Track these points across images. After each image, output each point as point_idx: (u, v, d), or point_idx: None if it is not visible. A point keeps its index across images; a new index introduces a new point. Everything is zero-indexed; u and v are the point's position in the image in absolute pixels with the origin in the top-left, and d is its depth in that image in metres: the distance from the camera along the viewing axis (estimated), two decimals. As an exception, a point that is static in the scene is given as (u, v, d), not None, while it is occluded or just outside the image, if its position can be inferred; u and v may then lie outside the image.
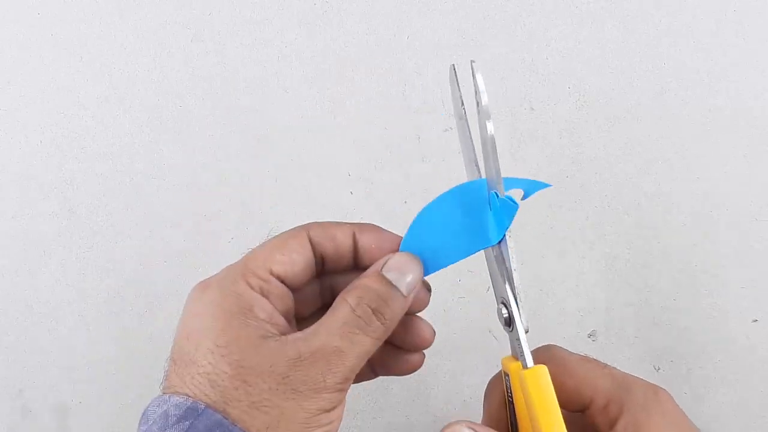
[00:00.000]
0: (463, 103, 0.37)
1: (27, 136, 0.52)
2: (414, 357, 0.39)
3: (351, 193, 0.52)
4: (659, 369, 0.51)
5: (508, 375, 0.36)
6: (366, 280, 0.35)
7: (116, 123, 0.51)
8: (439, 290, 0.52)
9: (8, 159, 0.52)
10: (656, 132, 0.52)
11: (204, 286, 0.35)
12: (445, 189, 0.51)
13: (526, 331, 0.34)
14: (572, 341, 0.51)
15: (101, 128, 0.52)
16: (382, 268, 0.35)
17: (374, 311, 0.34)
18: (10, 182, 0.52)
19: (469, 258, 0.52)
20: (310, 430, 0.32)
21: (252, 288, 0.34)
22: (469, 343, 0.52)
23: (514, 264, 0.37)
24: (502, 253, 0.37)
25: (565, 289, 0.51)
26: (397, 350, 0.39)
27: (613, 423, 0.35)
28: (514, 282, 0.36)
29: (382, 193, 0.52)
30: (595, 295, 0.51)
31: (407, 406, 0.52)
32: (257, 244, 0.36)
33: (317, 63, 0.52)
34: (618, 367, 0.51)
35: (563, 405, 0.34)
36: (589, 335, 0.51)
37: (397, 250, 0.37)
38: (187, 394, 0.32)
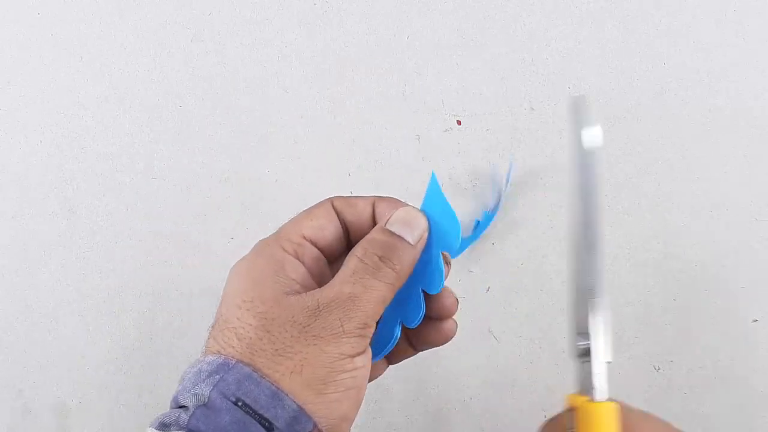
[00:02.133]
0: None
1: (27, 136, 0.52)
2: (446, 325, 0.40)
3: (351, 192, 0.52)
4: (659, 369, 0.51)
5: (572, 410, 0.35)
6: (371, 234, 0.36)
7: (116, 123, 0.51)
8: (439, 290, 0.52)
9: (8, 159, 0.52)
10: (656, 132, 0.52)
11: (244, 256, 0.37)
12: (445, 189, 0.51)
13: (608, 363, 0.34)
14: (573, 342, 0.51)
15: (101, 128, 0.52)
16: (386, 223, 0.37)
17: (381, 258, 0.35)
18: (10, 182, 0.52)
19: (469, 259, 0.52)
20: (334, 375, 0.33)
21: (286, 251, 0.36)
22: (470, 343, 0.52)
23: (603, 296, 0.36)
24: (594, 284, 0.36)
25: (564, 289, 0.51)
26: (429, 320, 0.39)
27: None
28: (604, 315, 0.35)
29: (381, 194, 0.52)
30: (595, 295, 0.51)
31: (407, 406, 0.52)
32: (258, 241, 0.37)
33: (317, 63, 0.52)
34: (618, 367, 0.51)
35: None
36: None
37: None
38: (219, 352, 0.33)
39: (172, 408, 0.33)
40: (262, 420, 0.32)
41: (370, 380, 0.37)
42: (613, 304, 0.52)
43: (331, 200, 0.38)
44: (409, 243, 0.36)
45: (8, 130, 0.52)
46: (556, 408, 0.52)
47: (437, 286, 0.37)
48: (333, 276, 0.36)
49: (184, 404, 0.33)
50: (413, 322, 0.38)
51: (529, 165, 0.52)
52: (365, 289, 0.34)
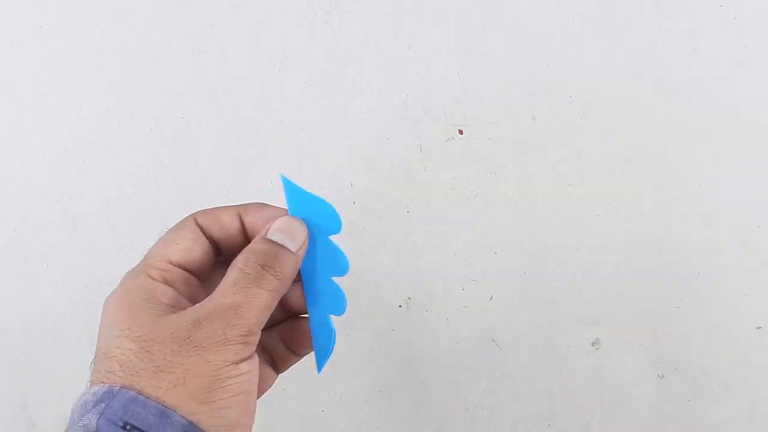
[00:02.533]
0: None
1: (29, 148, 0.52)
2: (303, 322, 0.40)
3: (353, 203, 0.52)
4: (663, 377, 0.51)
5: None
6: (252, 245, 0.37)
7: (118, 135, 0.51)
8: (442, 299, 0.52)
9: (11, 171, 0.52)
10: (658, 139, 0.52)
11: (111, 293, 0.37)
12: (447, 198, 0.51)
13: None
14: (576, 350, 0.51)
15: (103, 140, 0.52)
16: (266, 233, 0.37)
17: (263, 266, 0.35)
18: (13, 194, 0.52)
19: (472, 268, 0.52)
20: (220, 382, 0.33)
21: (153, 279, 0.36)
22: (473, 352, 0.52)
23: None
24: None
25: (569, 298, 0.51)
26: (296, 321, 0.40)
27: None
28: None
29: (384, 204, 0.52)
30: (599, 303, 0.51)
31: (410, 415, 0.52)
32: (125, 273, 0.38)
33: (318, 73, 0.52)
34: (622, 375, 0.51)
35: None
36: (593, 344, 0.51)
37: None
38: (102, 381, 0.34)
39: None
40: None
41: (259, 394, 0.37)
42: (617, 312, 0.52)
43: (194, 217, 0.38)
44: (290, 251, 0.37)
45: (11, 143, 0.52)
46: (560, 416, 0.52)
47: (344, 267, 0.38)
48: (206, 295, 0.36)
49: None
50: (340, 309, 0.39)
51: (530, 174, 0.52)
52: (247, 297, 0.35)
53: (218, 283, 0.37)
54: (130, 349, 0.34)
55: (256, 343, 0.35)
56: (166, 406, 0.32)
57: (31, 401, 0.51)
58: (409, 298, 0.52)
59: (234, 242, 0.38)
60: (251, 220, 0.38)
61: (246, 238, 0.38)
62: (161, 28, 0.52)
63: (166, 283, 0.36)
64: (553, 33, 0.52)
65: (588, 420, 0.52)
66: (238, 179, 0.52)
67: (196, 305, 0.35)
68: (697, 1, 0.52)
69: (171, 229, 0.39)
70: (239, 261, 0.36)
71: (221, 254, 0.39)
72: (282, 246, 0.37)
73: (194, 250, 0.37)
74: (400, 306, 0.52)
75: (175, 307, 0.36)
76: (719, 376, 0.51)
